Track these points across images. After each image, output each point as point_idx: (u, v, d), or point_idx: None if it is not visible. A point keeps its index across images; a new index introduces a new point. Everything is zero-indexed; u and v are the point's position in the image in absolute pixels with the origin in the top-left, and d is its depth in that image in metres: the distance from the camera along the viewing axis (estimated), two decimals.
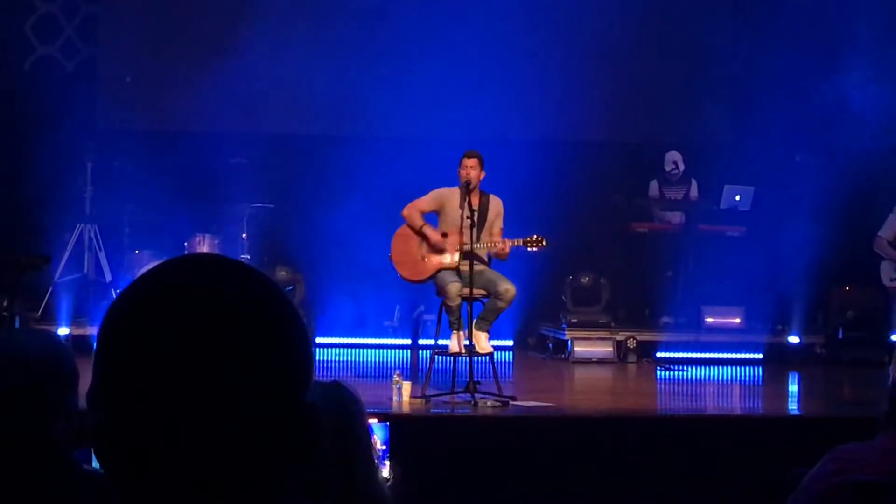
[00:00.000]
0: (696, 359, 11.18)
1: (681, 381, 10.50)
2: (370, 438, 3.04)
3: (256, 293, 1.23)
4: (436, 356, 8.69)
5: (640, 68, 12.56)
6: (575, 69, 12.56)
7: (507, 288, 8.42)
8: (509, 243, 8.55)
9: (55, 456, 2.55)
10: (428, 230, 8.76)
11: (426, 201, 8.85)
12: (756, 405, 10.10)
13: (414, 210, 8.82)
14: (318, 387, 2.98)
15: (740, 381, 10.78)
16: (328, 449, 2.82)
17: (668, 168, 12.17)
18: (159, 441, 1.17)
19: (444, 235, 8.75)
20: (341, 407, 2.94)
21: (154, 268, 1.24)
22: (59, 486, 2.51)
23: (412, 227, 8.79)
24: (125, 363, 1.19)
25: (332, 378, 3.09)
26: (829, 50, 11.37)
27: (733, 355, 11.27)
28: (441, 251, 8.71)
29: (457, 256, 8.62)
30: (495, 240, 8.59)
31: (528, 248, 8.60)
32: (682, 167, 12.15)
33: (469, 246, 8.44)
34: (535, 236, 8.55)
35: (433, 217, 8.88)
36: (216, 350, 1.18)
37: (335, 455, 2.86)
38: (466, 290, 8.37)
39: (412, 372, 9.80)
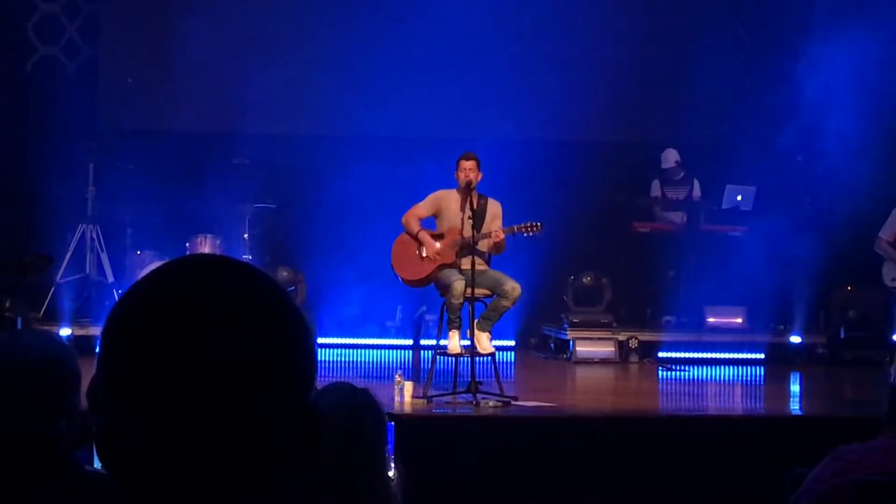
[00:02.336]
0: (698, 359, 11.18)
1: (683, 381, 10.50)
2: (384, 447, 3.05)
3: (260, 294, 1.23)
4: (437, 356, 8.69)
5: (641, 67, 12.56)
6: (576, 69, 12.56)
7: (514, 286, 8.42)
8: (504, 231, 8.54)
9: (57, 456, 2.55)
10: (423, 235, 8.77)
11: (423, 206, 8.87)
12: (758, 405, 10.10)
13: (411, 217, 8.84)
14: (343, 390, 3.00)
15: (742, 381, 10.78)
16: (333, 451, 2.83)
17: (666, 166, 12.16)
18: (162, 440, 1.18)
19: (441, 236, 8.76)
20: (357, 412, 2.95)
21: (158, 268, 1.25)
22: (60, 486, 2.52)
23: (409, 234, 8.82)
24: (129, 362, 1.19)
25: (364, 386, 3.10)
26: (827, 47, 11.36)
27: (735, 355, 11.27)
28: (438, 251, 8.71)
29: (455, 253, 8.63)
30: (491, 230, 8.58)
31: (525, 234, 8.59)
32: (679, 162, 12.12)
33: (470, 240, 8.43)
34: (529, 222, 8.55)
35: (432, 221, 8.89)
36: (220, 350, 1.18)
37: (340, 458, 2.87)
38: (469, 290, 8.37)
39: (414, 372, 9.80)
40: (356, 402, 2.98)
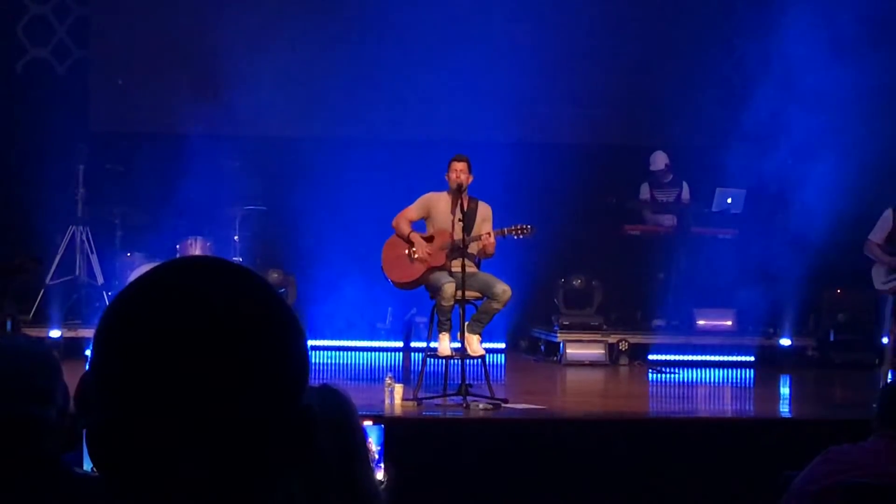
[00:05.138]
0: (688, 361, 11.18)
1: (673, 384, 10.51)
2: (365, 439, 3.06)
3: (253, 295, 1.23)
4: (428, 359, 8.69)
5: (631, 70, 12.56)
6: (566, 71, 12.56)
7: (504, 289, 8.43)
8: (495, 234, 8.56)
9: (46, 458, 2.54)
10: (414, 237, 8.78)
11: (414, 209, 8.88)
12: (748, 407, 10.11)
13: (402, 219, 8.85)
14: (312, 391, 2.99)
15: (732, 383, 10.79)
16: (329, 450, 2.84)
17: (655, 168, 12.16)
18: (156, 441, 1.17)
19: (431, 238, 8.77)
20: (337, 408, 2.96)
21: (151, 270, 1.25)
22: (50, 489, 2.51)
23: (400, 236, 8.82)
24: (123, 364, 1.19)
25: (321, 382, 3.10)
26: (820, 50, 11.38)
27: (725, 358, 11.29)
28: (430, 252, 8.71)
29: (445, 255, 8.64)
30: (480, 233, 8.59)
31: (515, 236, 8.61)
32: (668, 165, 12.13)
33: (460, 242, 8.43)
34: (520, 224, 8.56)
35: (422, 224, 8.90)
36: (213, 351, 1.18)
37: (336, 455, 2.88)
38: (460, 293, 8.37)
39: (404, 374, 9.80)
40: (325, 401, 2.97)
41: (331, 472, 2.84)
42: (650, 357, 11.28)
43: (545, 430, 7.71)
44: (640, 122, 12.68)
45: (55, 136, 11.64)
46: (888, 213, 9.67)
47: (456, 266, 8.43)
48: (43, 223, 11.39)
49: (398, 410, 7.95)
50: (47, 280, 11.17)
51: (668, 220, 12.19)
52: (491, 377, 8.54)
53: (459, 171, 8.62)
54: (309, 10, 12.55)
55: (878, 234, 9.63)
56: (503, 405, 8.20)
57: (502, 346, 11.73)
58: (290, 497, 1.25)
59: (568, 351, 11.27)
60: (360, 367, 11.05)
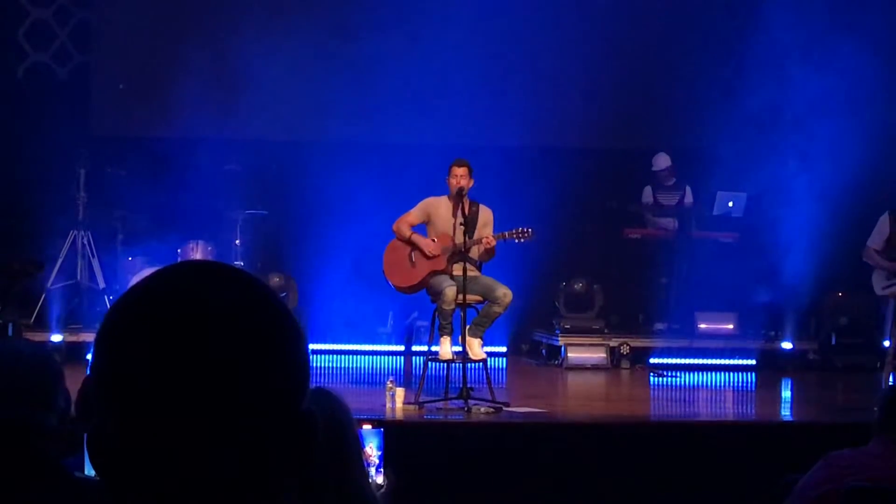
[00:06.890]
0: (690, 365, 11.18)
1: (674, 388, 10.51)
2: (360, 440, 3.07)
3: (255, 300, 1.24)
4: (429, 362, 8.69)
5: (633, 74, 12.56)
6: (567, 74, 12.56)
7: (505, 292, 8.44)
8: (495, 237, 8.56)
9: (47, 463, 2.54)
10: (416, 238, 8.79)
11: (414, 214, 8.88)
12: (749, 411, 10.11)
13: (403, 223, 8.86)
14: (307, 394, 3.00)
15: (733, 387, 10.78)
16: (324, 452, 2.84)
17: (656, 169, 12.15)
18: (157, 446, 1.18)
19: (432, 243, 8.77)
20: (331, 411, 2.96)
21: (153, 274, 1.25)
22: (50, 493, 2.51)
23: (401, 239, 8.83)
24: (124, 368, 1.19)
25: (317, 385, 3.10)
26: (824, 54, 11.39)
27: (726, 361, 11.28)
28: (436, 246, 8.71)
29: (446, 259, 8.64)
30: (481, 236, 8.59)
31: (516, 240, 8.61)
32: (670, 167, 12.12)
33: (462, 246, 8.44)
34: (520, 228, 8.56)
35: (423, 228, 8.90)
36: (214, 356, 1.18)
37: (330, 460, 2.88)
38: (461, 297, 8.38)
39: (406, 378, 9.80)
40: (320, 405, 2.97)
41: (327, 475, 2.84)
42: (651, 360, 11.27)
43: (546, 434, 7.71)
44: (642, 126, 12.67)
45: (56, 141, 11.64)
46: (885, 218, 9.68)
47: (457, 270, 8.44)
48: (44, 227, 11.39)
49: (399, 414, 7.95)
50: (48, 284, 11.16)
51: (669, 223, 12.18)
52: (492, 381, 8.54)
53: (460, 177, 8.62)
54: (309, 13, 12.55)
55: (876, 240, 9.64)
56: (504, 409, 8.20)
57: (503, 349, 11.73)
58: (290, 501, 1.25)
59: (569, 354, 11.26)
60: (362, 371, 11.04)
